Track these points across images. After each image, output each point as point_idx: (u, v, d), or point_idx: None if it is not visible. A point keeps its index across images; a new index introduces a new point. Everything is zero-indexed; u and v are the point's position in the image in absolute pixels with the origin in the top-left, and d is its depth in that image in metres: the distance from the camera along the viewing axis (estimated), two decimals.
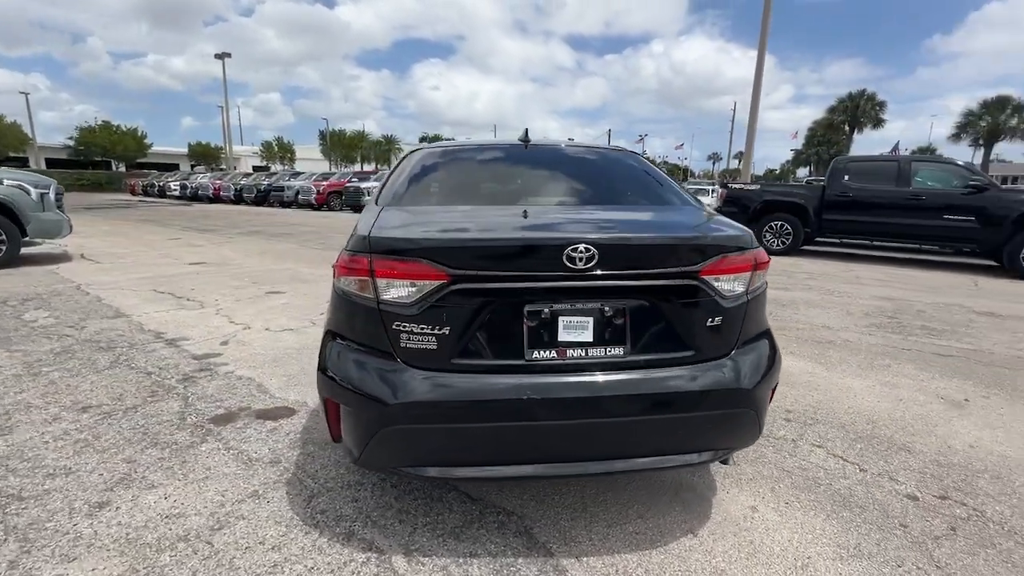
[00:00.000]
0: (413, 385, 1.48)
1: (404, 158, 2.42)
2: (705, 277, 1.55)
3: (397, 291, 1.50)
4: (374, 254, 1.53)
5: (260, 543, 1.66)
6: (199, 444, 2.27)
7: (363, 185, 18.58)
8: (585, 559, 1.64)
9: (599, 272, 1.48)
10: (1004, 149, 36.11)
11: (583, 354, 1.52)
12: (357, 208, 18.92)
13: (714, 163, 64.60)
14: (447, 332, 1.48)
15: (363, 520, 1.80)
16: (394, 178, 2.23)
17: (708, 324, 1.56)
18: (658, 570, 1.60)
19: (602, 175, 2.31)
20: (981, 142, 32.31)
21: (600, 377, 1.51)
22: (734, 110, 52.95)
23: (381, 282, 1.51)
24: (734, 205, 9.33)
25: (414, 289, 1.49)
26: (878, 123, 34.06)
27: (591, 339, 1.52)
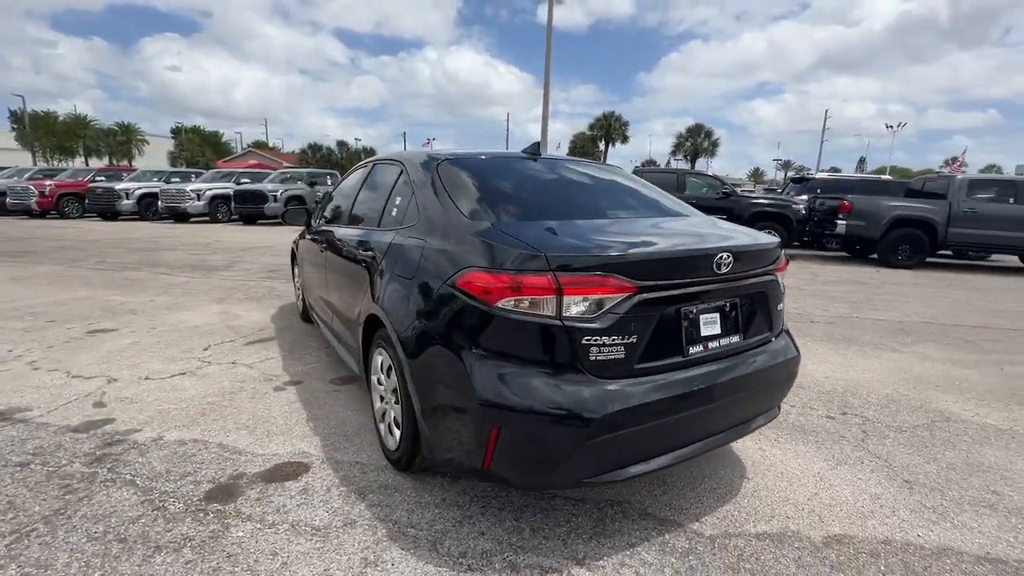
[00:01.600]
0: (614, 395, 1.52)
1: (435, 171, 2.21)
2: (777, 274, 1.98)
3: (584, 306, 1.52)
4: (559, 271, 1.51)
5: None
6: (224, 531, 1.76)
7: (118, 186, 14.72)
8: (703, 518, 1.92)
9: (730, 275, 1.77)
10: (700, 164, 49.37)
11: (717, 344, 1.78)
12: (111, 215, 14.95)
13: None
14: (633, 340, 1.57)
15: (512, 548, 1.72)
16: (444, 193, 2.06)
17: (777, 310, 2.00)
18: (749, 501, 1.99)
19: (640, 188, 2.56)
20: (688, 157, 43.92)
21: (731, 361, 1.80)
22: (508, 121, 58.38)
23: (568, 299, 1.51)
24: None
25: (603, 303, 1.53)
26: (625, 139, 43.02)
27: (719, 331, 1.80)
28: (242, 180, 15.92)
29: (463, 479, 2.10)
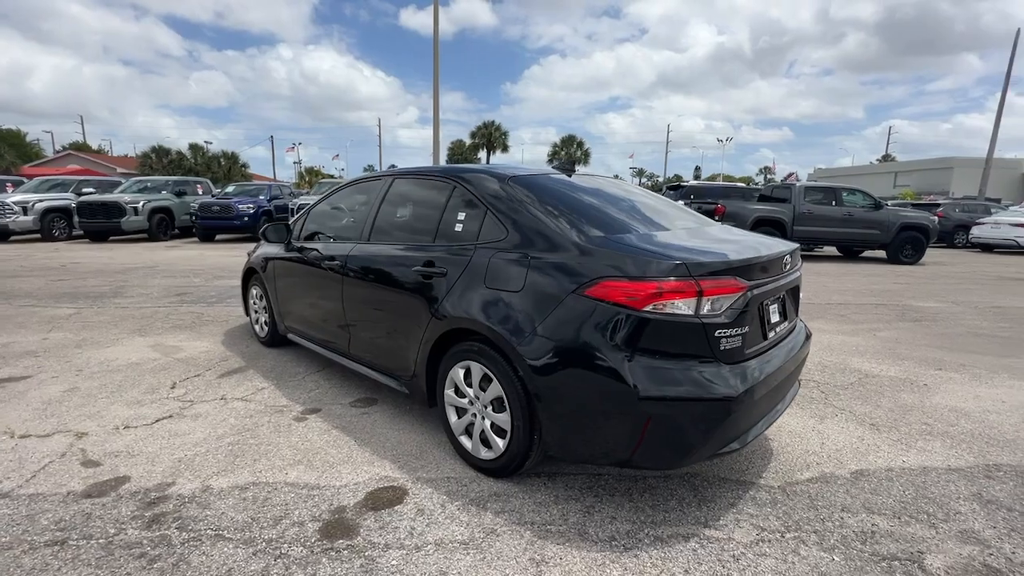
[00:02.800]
0: (740, 377, 1.81)
1: (514, 189, 2.28)
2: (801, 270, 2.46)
3: (716, 304, 1.79)
4: (698, 277, 1.76)
5: None
6: (374, 564, 1.69)
7: None
8: (763, 475, 2.31)
9: (788, 271, 2.18)
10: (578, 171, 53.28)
11: (780, 329, 2.18)
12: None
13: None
14: (746, 330, 1.88)
15: (646, 524, 1.92)
16: (537, 209, 2.16)
17: (800, 297, 2.48)
18: (785, 457, 2.44)
19: (660, 199, 2.88)
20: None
21: (786, 342, 2.21)
22: (379, 127, 56.64)
23: (706, 299, 1.76)
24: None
25: (728, 301, 1.81)
26: (506, 148, 44.55)
27: (779, 319, 2.20)
28: (85, 190, 13.39)
29: (576, 472, 2.24)
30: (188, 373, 3.54)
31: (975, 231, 15.10)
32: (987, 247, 15.08)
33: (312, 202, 3.82)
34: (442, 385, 2.39)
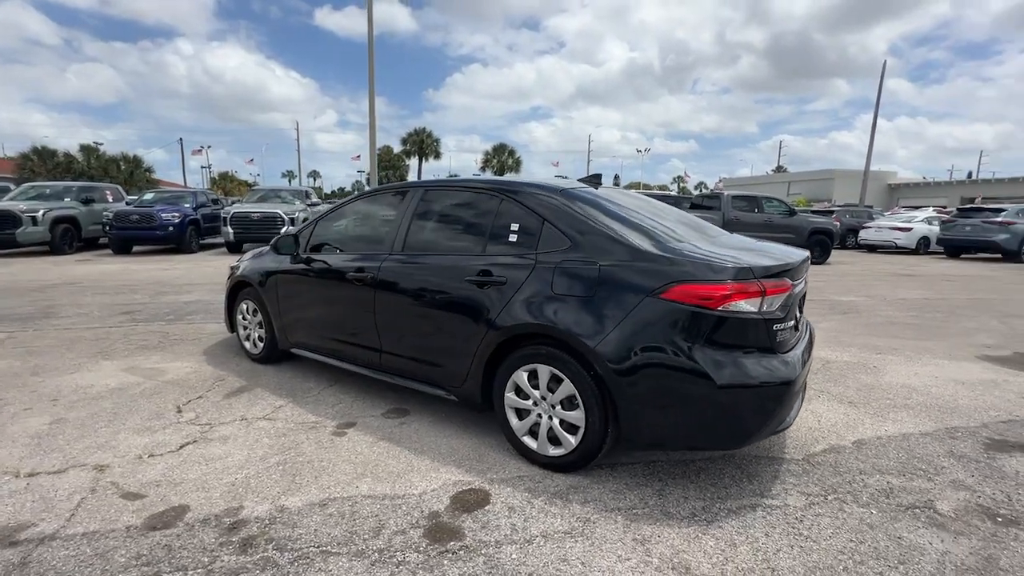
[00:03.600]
0: (793, 363, 2.10)
1: (574, 201, 2.44)
2: None
3: (773, 302, 2.07)
4: (761, 279, 2.03)
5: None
6: (495, 559, 1.77)
7: None
8: (786, 451, 2.65)
9: (806, 274, 2.54)
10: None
11: (798, 322, 2.53)
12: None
13: (289, 180, 64.09)
14: (791, 323, 2.18)
15: (715, 499, 2.16)
16: (602, 221, 2.35)
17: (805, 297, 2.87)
18: (796, 434, 2.81)
19: (680, 211, 3.16)
20: (496, 174, 47.55)
21: (804, 333, 2.57)
22: (297, 130, 54.12)
23: (767, 298, 2.04)
24: None
25: (781, 299, 2.10)
26: (438, 155, 44.35)
27: (798, 314, 2.54)
28: None
29: (632, 461, 2.42)
30: (188, 395, 3.31)
31: (862, 234, 17.38)
32: (871, 247, 17.40)
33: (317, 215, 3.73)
34: (501, 389, 2.49)
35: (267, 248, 3.98)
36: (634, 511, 2.08)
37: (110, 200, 13.50)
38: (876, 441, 2.78)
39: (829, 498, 2.20)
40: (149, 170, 34.31)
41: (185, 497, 2.16)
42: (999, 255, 13.81)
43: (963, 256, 15.06)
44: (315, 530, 1.94)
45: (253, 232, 12.20)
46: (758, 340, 2.05)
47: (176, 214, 12.16)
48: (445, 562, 1.77)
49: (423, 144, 43.47)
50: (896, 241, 16.42)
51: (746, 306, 2.02)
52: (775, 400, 2.04)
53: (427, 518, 2.02)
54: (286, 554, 1.80)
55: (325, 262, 3.33)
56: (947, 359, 4.37)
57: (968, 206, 17.37)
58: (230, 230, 12.17)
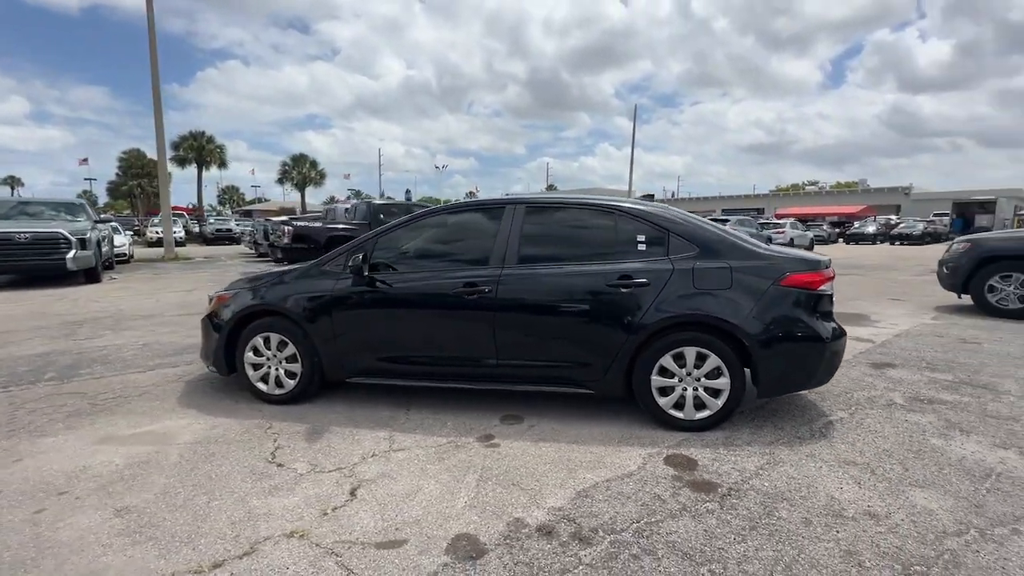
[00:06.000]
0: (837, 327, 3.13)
1: (681, 215, 3.08)
2: None
3: (831, 284, 3.06)
4: (829, 268, 2.99)
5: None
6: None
7: None
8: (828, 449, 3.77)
9: None
10: (311, 193, 48.24)
11: None
12: None
13: None
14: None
15: (796, 440, 3.05)
16: (717, 230, 3.05)
17: None
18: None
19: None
20: (297, 187, 42.59)
21: None
22: None
23: (831, 281, 3.02)
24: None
25: (832, 282, 3.10)
26: (223, 163, 37.32)
27: None
28: None
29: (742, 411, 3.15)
30: (257, 449, 2.78)
31: None
32: None
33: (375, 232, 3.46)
34: (646, 374, 2.95)
35: (284, 271, 3.50)
36: (779, 440, 2.83)
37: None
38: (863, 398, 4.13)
39: (854, 409, 3.33)
40: None
41: (449, 529, 2.05)
42: None
43: None
44: (612, 514, 2.14)
45: (15, 260, 9.06)
46: (827, 310, 3.03)
47: None
48: (734, 502, 2.21)
49: (202, 151, 36.47)
50: None
51: (827, 287, 2.98)
52: (841, 346, 3.04)
53: (673, 481, 2.40)
54: (623, 535, 1.99)
55: (413, 280, 3.21)
56: None
57: None
58: None
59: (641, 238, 3.08)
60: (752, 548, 1.91)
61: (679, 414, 2.97)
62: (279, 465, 2.61)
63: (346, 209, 12.28)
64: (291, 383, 3.40)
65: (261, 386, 3.45)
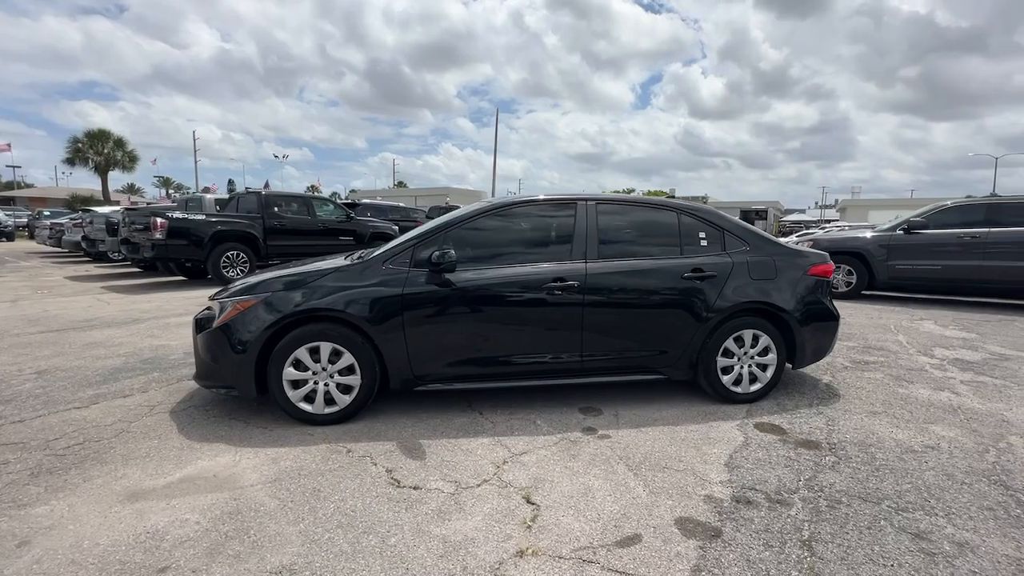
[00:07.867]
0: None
1: (727, 217, 3.45)
2: None
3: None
4: (828, 260, 3.69)
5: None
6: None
7: None
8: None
9: None
10: (116, 177, 38.25)
11: None
12: None
13: None
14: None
15: (827, 405, 3.72)
16: (755, 229, 3.48)
17: None
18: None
19: None
20: (98, 171, 32.96)
21: None
22: None
23: (832, 273, 3.73)
24: None
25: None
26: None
27: None
28: None
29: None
30: (364, 476, 2.39)
31: None
32: None
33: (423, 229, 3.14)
34: (712, 357, 3.29)
35: (318, 270, 3.04)
36: (814, 403, 3.42)
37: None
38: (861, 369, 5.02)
39: (851, 367, 4.15)
40: None
41: (662, 517, 2.08)
42: None
43: None
44: (775, 479, 2.39)
45: None
46: (831, 294, 3.75)
47: None
48: (843, 454, 2.65)
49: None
50: None
51: (832, 276, 3.69)
52: (839, 323, 3.79)
53: (784, 445, 2.76)
54: (803, 492, 2.26)
55: (495, 276, 3.04)
56: None
57: None
58: None
59: (702, 235, 3.40)
60: (891, 484, 2.35)
61: (738, 389, 3.37)
62: (414, 488, 2.29)
63: (217, 200, 10.45)
64: (346, 399, 2.94)
65: (305, 406, 2.90)
